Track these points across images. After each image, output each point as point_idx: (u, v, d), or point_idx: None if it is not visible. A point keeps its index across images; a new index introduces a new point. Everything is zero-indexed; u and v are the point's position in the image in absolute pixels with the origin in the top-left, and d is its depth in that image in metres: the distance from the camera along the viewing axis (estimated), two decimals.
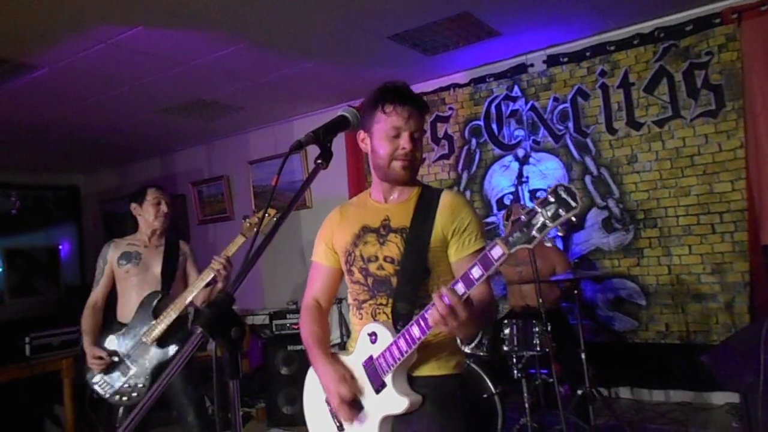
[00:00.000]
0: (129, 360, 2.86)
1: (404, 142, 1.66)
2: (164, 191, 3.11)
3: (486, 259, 1.39)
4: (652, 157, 4.15)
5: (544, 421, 3.50)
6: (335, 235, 1.83)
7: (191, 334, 0.86)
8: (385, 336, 1.61)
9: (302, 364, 4.50)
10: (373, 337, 1.63)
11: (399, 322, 1.63)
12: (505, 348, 3.30)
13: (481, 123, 4.87)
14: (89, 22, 3.28)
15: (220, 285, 2.83)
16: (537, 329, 3.26)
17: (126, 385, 2.85)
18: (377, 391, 1.61)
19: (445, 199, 1.73)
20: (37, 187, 7.18)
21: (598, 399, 3.43)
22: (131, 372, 2.85)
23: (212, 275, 2.79)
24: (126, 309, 2.94)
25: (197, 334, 0.82)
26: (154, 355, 2.84)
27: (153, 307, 2.87)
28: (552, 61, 4.50)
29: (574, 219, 1.30)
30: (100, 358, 2.82)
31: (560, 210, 1.29)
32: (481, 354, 3.34)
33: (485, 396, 3.19)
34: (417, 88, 5.10)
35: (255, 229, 2.78)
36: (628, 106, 4.22)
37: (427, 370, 1.66)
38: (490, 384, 3.21)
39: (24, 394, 4.18)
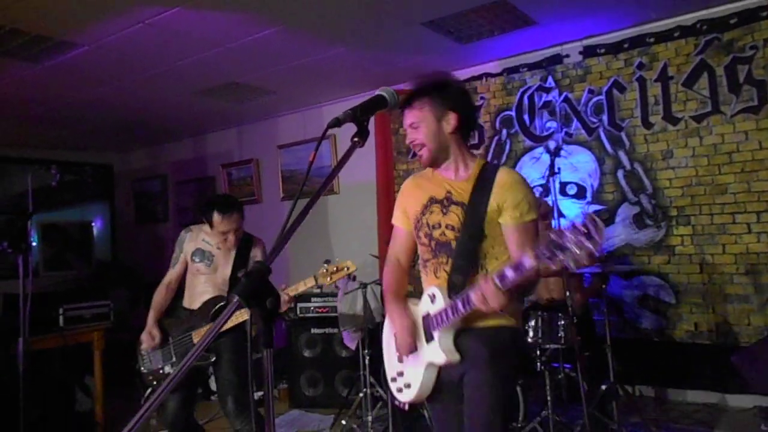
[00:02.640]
0: (173, 349, 2.94)
1: (407, 137, 1.98)
2: (233, 212, 2.94)
3: (520, 265, 1.62)
4: (689, 153, 4.05)
5: (566, 416, 3.48)
6: (409, 204, 2.11)
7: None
8: (440, 300, 1.90)
9: (325, 347, 4.56)
10: (432, 298, 1.94)
11: (453, 290, 1.89)
12: (529, 339, 3.28)
13: (513, 113, 4.81)
14: (129, 2, 3.33)
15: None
16: (562, 322, 3.23)
17: (160, 370, 2.94)
18: (428, 341, 1.94)
19: (500, 176, 1.93)
20: (74, 164, 7.35)
21: (622, 396, 3.39)
22: (170, 361, 2.94)
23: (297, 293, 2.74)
24: (191, 298, 3.02)
25: (234, 302, 0.84)
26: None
27: (213, 311, 2.90)
28: (588, 52, 4.42)
29: (596, 253, 1.42)
30: (153, 337, 2.92)
31: (584, 240, 1.42)
32: None
33: None
34: None
35: (329, 279, 2.71)
36: (666, 100, 4.13)
37: (482, 322, 1.90)
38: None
39: (57, 363, 4.31)
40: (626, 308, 4.29)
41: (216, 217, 2.90)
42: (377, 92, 1.28)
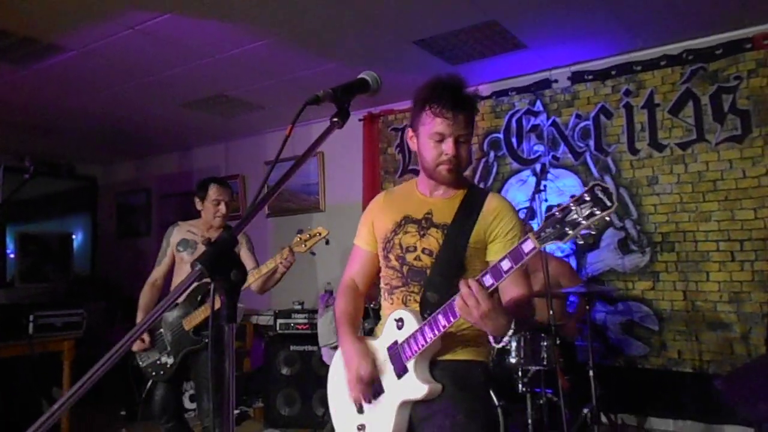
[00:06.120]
0: (167, 340, 2.95)
1: (448, 147, 1.66)
2: (227, 187, 3.18)
3: (516, 252, 1.40)
4: (674, 179, 4.07)
5: None
6: (377, 220, 1.86)
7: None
8: (411, 323, 1.63)
9: (304, 365, 4.45)
10: (399, 322, 1.66)
11: (427, 310, 1.63)
12: (512, 360, 3.22)
13: (501, 136, 4.83)
14: (120, 5, 3.31)
15: (278, 275, 2.94)
16: (545, 343, 3.18)
17: (158, 361, 2.96)
18: (399, 376, 1.63)
19: (491, 202, 1.73)
20: (51, 164, 7.21)
21: (604, 423, 3.32)
22: (166, 351, 2.95)
23: (272, 266, 2.85)
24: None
25: (196, 269, 0.79)
26: (188, 341, 2.91)
27: (200, 296, 2.92)
28: (576, 77, 4.47)
29: (608, 219, 1.29)
30: (142, 340, 2.94)
31: (595, 209, 1.28)
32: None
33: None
34: None
35: (304, 247, 2.86)
36: (652, 127, 4.17)
37: (451, 355, 1.67)
38: (493, 396, 3.13)
39: (24, 374, 4.16)
40: (610, 334, 4.25)
41: (212, 187, 3.09)
42: (360, 75, 1.25)
